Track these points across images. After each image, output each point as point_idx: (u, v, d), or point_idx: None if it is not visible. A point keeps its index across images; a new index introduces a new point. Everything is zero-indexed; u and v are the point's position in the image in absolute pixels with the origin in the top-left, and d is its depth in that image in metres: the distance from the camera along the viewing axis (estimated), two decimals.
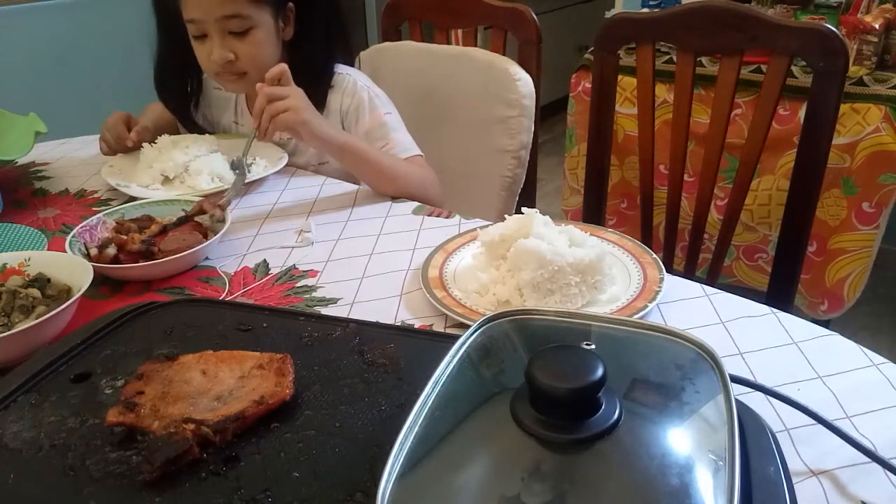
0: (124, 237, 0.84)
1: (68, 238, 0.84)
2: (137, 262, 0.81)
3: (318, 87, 1.14)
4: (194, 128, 1.28)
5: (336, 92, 1.17)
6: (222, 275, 0.83)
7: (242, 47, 1.08)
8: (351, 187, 1.06)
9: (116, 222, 0.89)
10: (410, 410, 0.38)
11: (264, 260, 0.85)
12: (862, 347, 0.64)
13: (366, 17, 3.09)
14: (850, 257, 1.67)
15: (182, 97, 1.26)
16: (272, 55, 1.11)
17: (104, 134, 1.18)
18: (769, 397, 0.55)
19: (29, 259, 0.78)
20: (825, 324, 1.62)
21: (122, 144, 1.15)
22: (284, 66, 1.00)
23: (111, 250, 0.82)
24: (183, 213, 0.91)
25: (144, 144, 1.14)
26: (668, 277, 0.74)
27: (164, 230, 0.89)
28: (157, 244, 0.84)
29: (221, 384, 0.50)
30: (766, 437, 0.41)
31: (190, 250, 0.82)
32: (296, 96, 0.99)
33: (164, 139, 1.15)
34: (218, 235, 0.86)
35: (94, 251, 0.83)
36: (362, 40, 2.97)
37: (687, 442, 0.37)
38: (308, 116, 0.99)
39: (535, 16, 1.31)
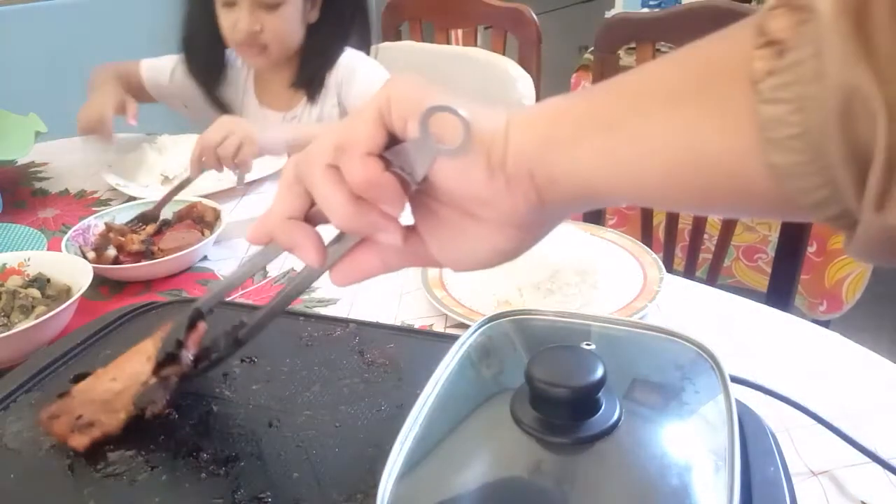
0: (122, 238, 0.84)
1: (64, 240, 0.84)
2: (139, 261, 0.81)
3: (321, 72, 1.14)
4: (217, 102, 1.25)
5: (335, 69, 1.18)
6: (221, 277, 0.83)
7: (270, 20, 1.08)
8: None
9: (106, 224, 0.89)
10: (410, 410, 0.38)
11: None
12: (862, 347, 0.64)
13: None
14: (850, 258, 1.67)
15: (210, 70, 1.24)
16: (296, 33, 1.12)
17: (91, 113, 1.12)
18: (769, 397, 0.55)
19: (29, 259, 0.78)
20: (825, 324, 1.62)
21: (105, 133, 1.10)
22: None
23: (111, 251, 0.82)
24: (173, 214, 0.92)
25: (144, 144, 1.14)
26: (668, 277, 0.74)
27: (160, 230, 0.89)
28: (156, 243, 0.84)
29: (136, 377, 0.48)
30: (766, 437, 0.41)
31: (190, 248, 0.82)
32: (233, 127, 0.97)
33: (165, 139, 1.15)
34: (216, 233, 0.86)
35: (91, 255, 0.82)
36: None
37: (687, 442, 0.37)
38: (254, 135, 0.97)
39: (535, 16, 1.31)
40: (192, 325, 0.46)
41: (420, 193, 0.35)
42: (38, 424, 0.46)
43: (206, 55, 1.21)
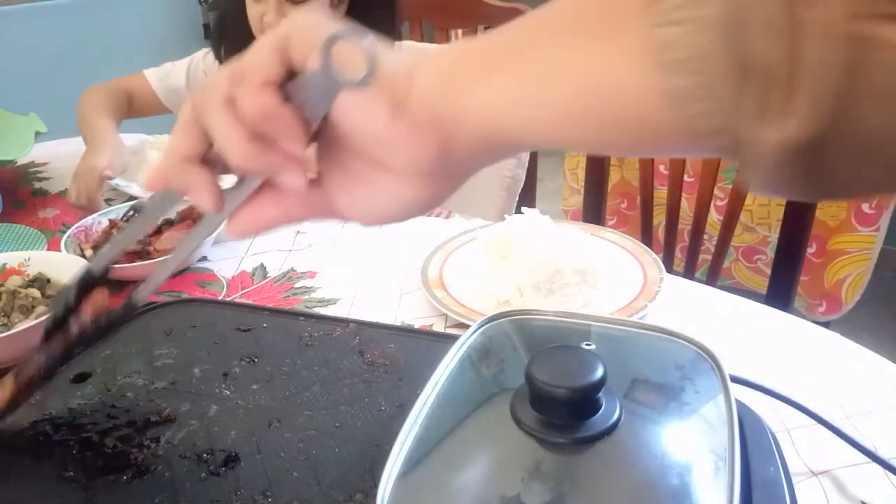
0: None
1: (63, 238, 0.84)
2: (133, 261, 0.81)
3: None
4: None
5: None
6: (220, 279, 0.83)
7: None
8: None
9: (110, 221, 0.89)
10: (410, 410, 0.38)
11: (262, 263, 0.85)
12: (862, 347, 0.64)
13: None
14: (849, 259, 1.67)
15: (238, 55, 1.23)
16: None
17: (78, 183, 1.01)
18: (769, 397, 0.55)
19: (29, 259, 0.78)
20: (825, 324, 1.62)
21: (93, 205, 0.99)
22: None
23: None
24: (176, 214, 0.91)
25: (145, 144, 1.14)
26: (668, 277, 0.74)
27: (159, 230, 0.89)
28: (152, 244, 0.84)
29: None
30: (766, 437, 0.41)
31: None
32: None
33: (164, 139, 1.14)
34: (213, 235, 0.86)
35: (89, 252, 0.83)
36: None
37: (687, 442, 0.37)
38: None
39: None
40: (84, 289, 0.43)
41: (324, 141, 0.34)
42: None
43: (236, 43, 1.21)
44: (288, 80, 0.32)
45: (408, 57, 0.32)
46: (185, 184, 0.35)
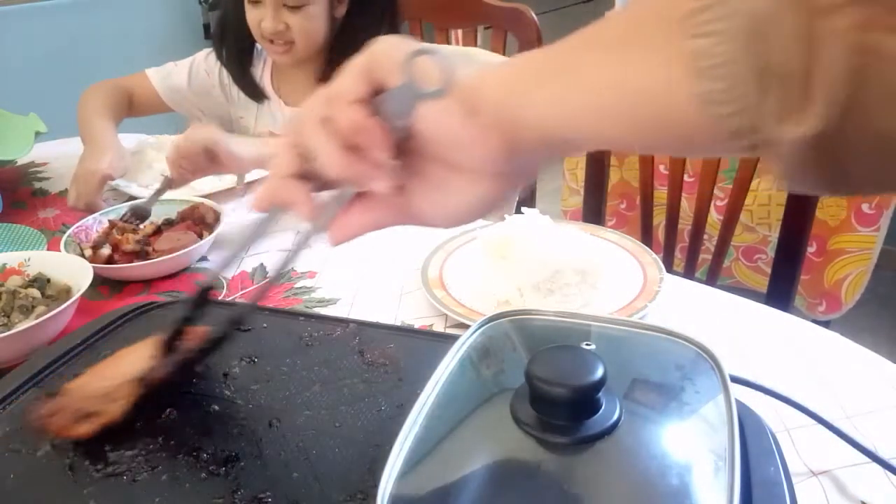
0: (119, 237, 0.84)
1: (63, 238, 0.84)
2: (132, 261, 0.81)
3: None
4: (248, 87, 1.24)
5: None
6: (220, 278, 0.83)
7: (294, 20, 1.08)
8: None
9: (109, 221, 0.89)
10: (410, 410, 0.38)
11: (261, 263, 0.85)
12: (862, 347, 0.64)
13: None
14: (849, 258, 1.67)
15: (239, 56, 1.23)
16: (321, 30, 1.12)
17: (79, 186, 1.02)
18: (769, 397, 0.55)
19: (29, 259, 0.78)
20: (825, 324, 1.62)
21: (92, 208, 0.99)
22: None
23: (105, 250, 0.82)
24: (177, 214, 0.91)
25: (145, 144, 1.14)
26: (668, 277, 0.74)
27: (159, 230, 0.89)
28: (151, 244, 0.84)
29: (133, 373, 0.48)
30: (766, 437, 0.41)
31: (184, 250, 0.82)
32: (198, 133, 0.93)
33: (165, 139, 1.14)
34: (212, 236, 0.86)
35: (88, 251, 0.83)
36: None
37: (687, 442, 0.37)
38: (220, 142, 0.93)
39: (535, 16, 1.31)
40: (199, 303, 0.48)
41: (406, 153, 0.38)
42: (30, 423, 0.46)
43: (236, 45, 1.21)
44: (374, 97, 0.37)
45: (477, 69, 0.37)
46: (285, 198, 0.40)
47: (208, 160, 0.92)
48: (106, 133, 1.10)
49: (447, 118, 0.36)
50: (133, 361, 0.49)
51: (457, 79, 0.35)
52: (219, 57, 1.23)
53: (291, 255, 0.45)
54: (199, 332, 0.48)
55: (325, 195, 0.41)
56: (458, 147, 0.37)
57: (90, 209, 0.97)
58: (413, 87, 0.35)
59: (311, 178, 0.40)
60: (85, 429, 0.45)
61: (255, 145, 0.99)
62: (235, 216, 0.97)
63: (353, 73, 0.37)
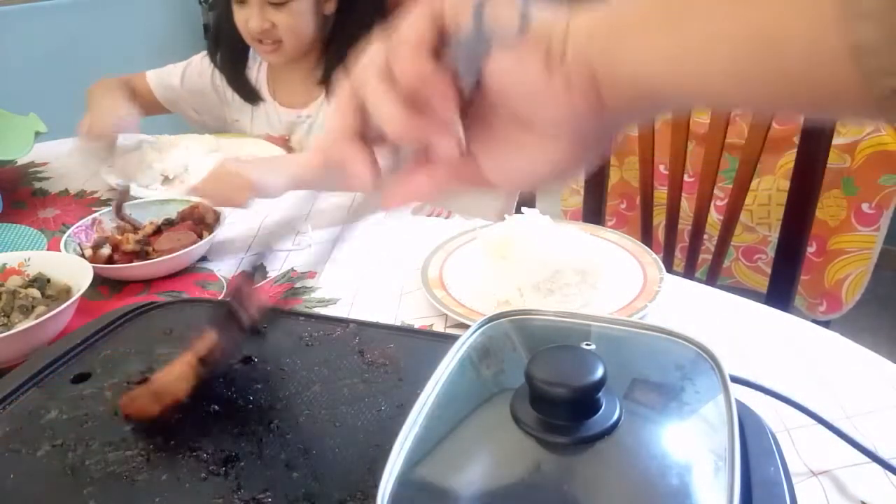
0: (119, 237, 0.84)
1: (63, 238, 0.84)
2: (132, 261, 0.81)
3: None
4: (242, 89, 1.25)
5: None
6: (220, 279, 0.83)
7: (280, 17, 1.09)
8: None
9: (93, 219, 0.89)
10: (410, 410, 0.38)
11: (261, 263, 0.85)
12: (862, 347, 0.64)
13: None
14: (850, 258, 1.67)
15: (233, 59, 1.24)
16: (309, 27, 1.12)
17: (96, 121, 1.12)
18: (769, 397, 0.55)
19: (29, 259, 0.78)
20: (825, 324, 1.62)
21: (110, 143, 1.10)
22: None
23: (105, 250, 0.83)
24: (177, 214, 0.91)
25: (144, 144, 1.14)
26: (668, 277, 0.74)
27: (159, 230, 0.89)
28: (151, 244, 0.84)
29: None
30: (766, 437, 0.41)
31: (184, 250, 0.82)
32: (226, 177, 0.91)
33: (164, 139, 1.15)
34: (212, 235, 0.86)
35: (88, 251, 0.83)
36: None
37: (687, 442, 0.37)
38: (249, 182, 0.90)
39: None
40: (251, 277, 0.49)
41: (473, 106, 0.34)
42: (119, 407, 0.47)
43: (230, 47, 1.22)
44: (441, 47, 0.32)
45: (560, 14, 0.32)
46: (343, 158, 0.36)
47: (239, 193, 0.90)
48: (120, 93, 1.17)
49: (524, 68, 0.31)
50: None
51: (535, 23, 0.30)
52: (213, 60, 1.24)
53: (353, 222, 0.42)
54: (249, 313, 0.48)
55: (383, 156, 0.37)
56: (534, 101, 0.32)
57: (101, 139, 1.02)
58: (485, 30, 0.31)
59: (370, 139, 0.36)
60: (156, 408, 0.46)
61: (286, 166, 0.97)
62: (236, 216, 0.97)
63: (418, 16, 0.32)
